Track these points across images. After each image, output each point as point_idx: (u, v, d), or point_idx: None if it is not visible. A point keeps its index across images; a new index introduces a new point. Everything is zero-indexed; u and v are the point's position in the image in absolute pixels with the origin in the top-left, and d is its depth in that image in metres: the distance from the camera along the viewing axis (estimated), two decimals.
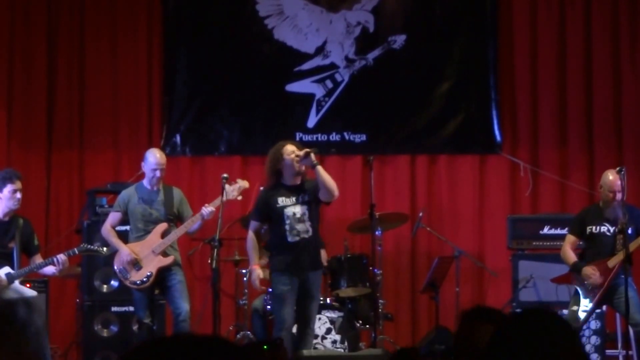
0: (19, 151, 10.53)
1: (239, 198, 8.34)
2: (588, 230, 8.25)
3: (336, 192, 7.66)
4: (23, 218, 8.24)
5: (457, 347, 3.66)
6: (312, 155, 7.60)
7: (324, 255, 9.15)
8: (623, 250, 7.92)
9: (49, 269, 8.01)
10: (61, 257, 7.94)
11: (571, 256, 8.31)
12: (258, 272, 7.76)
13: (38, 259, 8.15)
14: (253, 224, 7.90)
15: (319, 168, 7.63)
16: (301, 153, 7.65)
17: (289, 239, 7.64)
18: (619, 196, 8.10)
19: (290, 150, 7.71)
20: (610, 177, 8.19)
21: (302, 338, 7.76)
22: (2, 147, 10.43)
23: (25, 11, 10.58)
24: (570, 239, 8.41)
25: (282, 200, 7.69)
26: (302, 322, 7.79)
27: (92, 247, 8.25)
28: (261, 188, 9.34)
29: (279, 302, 7.67)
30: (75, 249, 8.19)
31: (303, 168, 7.71)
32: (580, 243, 8.42)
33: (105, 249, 8.32)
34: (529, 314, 2.52)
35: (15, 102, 10.56)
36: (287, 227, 7.64)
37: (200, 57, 10.67)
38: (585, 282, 8.11)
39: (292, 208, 7.66)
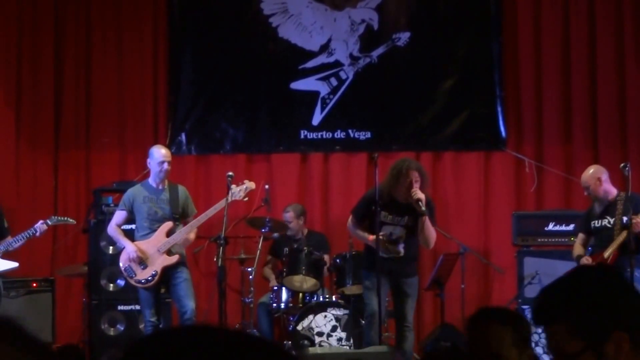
0: (27, 150, 10.59)
1: (245, 199, 8.38)
2: (592, 225, 8.37)
3: (432, 244, 8.03)
4: None
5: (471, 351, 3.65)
6: (423, 203, 7.71)
7: (326, 260, 9.27)
8: (616, 240, 8.01)
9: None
10: (42, 226, 8.21)
11: (577, 250, 8.42)
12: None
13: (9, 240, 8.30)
14: (351, 219, 8.17)
15: (425, 219, 7.78)
16: (419, 196, 7.73)
17: (380, 253, 7.77)
18: (589, 192, 8.36)
19: (414, 177, 7.77)
20: (583, 175, 8.49)
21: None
22: (10, 147, 10.50)
23: (32, 11, 10.62)
24: (580, 235, 8.59)
25: (384, 215, 7.85)
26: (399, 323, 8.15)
27: (62, 218, 8.62)
28: (266, 187, 9.39)
29: (366, 294, 8.05)
30: (48, 220, 8.40)
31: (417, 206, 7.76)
32: (591, 240, 8.53)
33: (71, 219, 8.72)
34: None
35: (23, 102, 10.61)
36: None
37: (205, 56, 10.69)
38: None
39: (392, 228, 7.84)
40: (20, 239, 8.20)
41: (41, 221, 8.31)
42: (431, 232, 7.87)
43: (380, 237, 7.74)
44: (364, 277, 8.13)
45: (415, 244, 8.00)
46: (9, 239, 8.26)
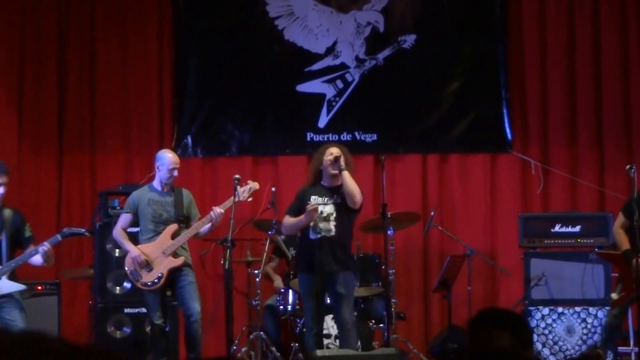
0: (30, 154, 10.57)
1: (250, 200, 8.35)
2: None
3: (357, 199, 7.76)
4: (12, 208, 7.82)
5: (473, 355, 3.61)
6: (341, 160, 7.78)
7: None
8: None
9: (37, 260, 7.64)
10: (45, 246, 7.54)
11: (624, 241, 8.13)
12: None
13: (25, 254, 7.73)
14: (286, 217, 8.15)
15: (344, 173, 7.76)
16: (332, 157, 7.86)
17: (311, 235, 7.82)
18: None
19: (329, 152, 7.94)
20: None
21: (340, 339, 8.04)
22: (13, 150, 10.46)
23: (35, 13, 10.61)
24: (621, 218, 8.25)
25: (314, 198, 7.88)
26: (336, 323, 8.12)
27: (75, 229, 8.00)
28: (272, 189, 9.39)
29: (304, 302, 7.99)
30: (58, 235, 7.79)
31: (336, 171, 7.86)
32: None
33: (85, 230, 8.21)
34: None
35: (27, 104, 10.59)
36: (312, 224, 7.80)
37: (210, 58, 10.68)
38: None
39: (322, 207, 7.82)
40: (27, 256, 7.77)
41: (45, 242, 7.63)
42: (353, 184, 7.76)
43: (312, 207, 7.75)
44: (299, 282, 8.12)
45: (347, 225, 7.88)
46: (31, 248, 7.71)
